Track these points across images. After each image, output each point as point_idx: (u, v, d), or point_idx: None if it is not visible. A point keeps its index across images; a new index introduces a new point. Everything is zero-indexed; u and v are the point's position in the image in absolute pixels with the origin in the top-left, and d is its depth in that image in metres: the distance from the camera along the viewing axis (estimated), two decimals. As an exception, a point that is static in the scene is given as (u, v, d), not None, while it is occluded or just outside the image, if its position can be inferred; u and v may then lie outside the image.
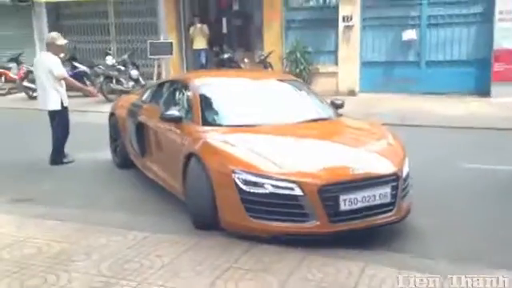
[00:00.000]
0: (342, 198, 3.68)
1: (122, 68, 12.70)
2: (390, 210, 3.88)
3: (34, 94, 12.68)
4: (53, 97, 6.47)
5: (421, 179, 4.92)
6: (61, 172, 6.37)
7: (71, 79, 6.85)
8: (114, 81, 12.44)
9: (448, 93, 11.48)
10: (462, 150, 7.04)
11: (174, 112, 4.76)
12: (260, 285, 3.17)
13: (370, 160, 4.06)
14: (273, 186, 3.69)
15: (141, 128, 5.64)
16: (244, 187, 3.75)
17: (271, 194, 3.69)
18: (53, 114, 6.58)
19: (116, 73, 12.50)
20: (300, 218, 3.70)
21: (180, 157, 4.40)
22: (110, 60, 13.05)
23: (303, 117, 4.90)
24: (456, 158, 6.49)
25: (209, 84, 5.33)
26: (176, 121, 4.73)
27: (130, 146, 6.01)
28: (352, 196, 3.71)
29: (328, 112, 5.20)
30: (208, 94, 5.01)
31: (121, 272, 3.35)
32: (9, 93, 13.90)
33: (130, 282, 3.20)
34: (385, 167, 4.00)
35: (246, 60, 12.94)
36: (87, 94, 7.25)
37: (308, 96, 5.49)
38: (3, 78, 14.09)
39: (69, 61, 13.37)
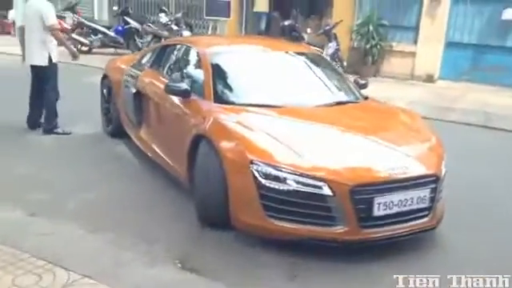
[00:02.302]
0: (376, 201, 3.20)
1: (175, 28, 11.73)
2: (427, 216, 3.44)
3: (83, 48, 12.13)
4: (39, 50, 5.61)
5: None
6: (44, 145, 5.50)
7: (60, 34, 5.82)
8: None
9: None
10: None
11: (181, 84, 4.17)
12: None
13: (408, 157, 3.53)
14: (297, 182, 3.17)
15: (139, 96, 5.01)
16: (263, 181, 3.22)
17: (294, 192, 3.17)
18: (37, 71, 5.73)
19: (166, 33, 11.54)
20: (326, 221, 3.21)
21: (186, 137, 3.86)
22: (163, 18, 12.08)
23: (329, 99, 4.38)
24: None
25: (223, 53, 4.70)
26: (183, 95, 4.13)
27: (125, 114, 5.40)
28: (387, 199, 3.23)
29: (355, 93, 4.65)
30: (222, 66, 4.41)
31: None
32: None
33: None
34: (424, 166, 3.49)
35: (308, 30, 11.13)
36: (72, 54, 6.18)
37: (332, 74, 4.91)
38: None
39: (121, 15, 12.59)
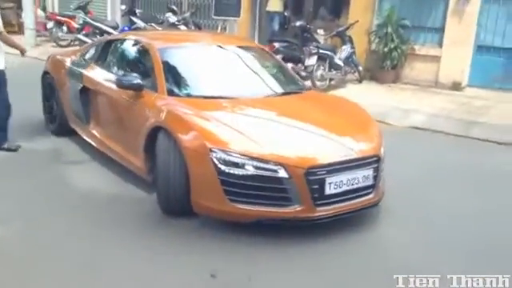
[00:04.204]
0: (327, 181, 3.51)
1: (183, 28, 11.17)
2: (371, 193, 3.81)
3: None
4: None
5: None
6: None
7: (7, 36, 5.22)
8: None
9: None
10: None
11: (133, 78, 4.29)
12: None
13: (354, 141, 3.88)
14: (255, 167, 3.41)
15: (85, 91, 5.02)
16: (223, 168, 3.43)
17: (253, 176, 3.42)
18: None
19: None
20: (282, 202, 3.48)
21: (142, 130, 3.97)
22: (171, 17, 11.55)
23: (277, 89, 4.66)
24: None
25: (172, 48, 4.83)
26: (136, 88, 4.24)
27: (71, 111, 5.36)
28: (337, 179, 3.56)
29: (299, 85, 4.99)
30: (172, 60, 4.56)
31: None
32: (70, 45, 12.13)
33: None
34: (368, 148, 3.88)
35: (319, 31, 10.16)
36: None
37: (277, 66, 5.19)
38: (65, 28, 12.44)
39: (128, 15, 11.92)
